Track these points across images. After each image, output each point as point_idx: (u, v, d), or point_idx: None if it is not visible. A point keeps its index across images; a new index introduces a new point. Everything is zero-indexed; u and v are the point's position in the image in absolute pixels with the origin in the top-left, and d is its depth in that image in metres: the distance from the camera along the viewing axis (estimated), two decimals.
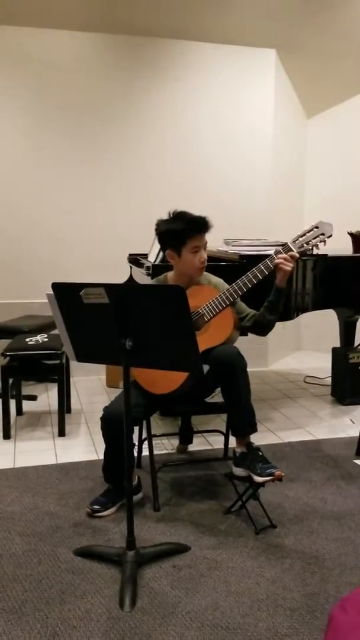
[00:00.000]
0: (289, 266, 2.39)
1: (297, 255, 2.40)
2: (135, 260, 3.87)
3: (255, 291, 2.46)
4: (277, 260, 2.39)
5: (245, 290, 2.43)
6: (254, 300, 2.58)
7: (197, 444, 3.19)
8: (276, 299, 2.49)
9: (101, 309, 1.91)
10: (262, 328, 2.56)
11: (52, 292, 2.00)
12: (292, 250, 2.41)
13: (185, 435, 3.11)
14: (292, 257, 2.39)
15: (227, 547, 2.21)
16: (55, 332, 3.35)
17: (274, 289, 2.49)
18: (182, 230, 2.46)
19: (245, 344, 2.62)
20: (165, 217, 2.53)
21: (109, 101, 4.55)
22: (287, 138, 5.15)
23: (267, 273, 2.40)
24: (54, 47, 4.39)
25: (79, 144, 4.55)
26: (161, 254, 3.08)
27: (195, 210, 2.55)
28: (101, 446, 2.54)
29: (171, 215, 2.51)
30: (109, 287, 1.88)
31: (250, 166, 4.87)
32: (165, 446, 3.20)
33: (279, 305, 2.51)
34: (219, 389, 2.50)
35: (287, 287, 2.53)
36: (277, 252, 2.41)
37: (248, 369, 2.41)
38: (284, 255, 2.39)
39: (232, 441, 2.58)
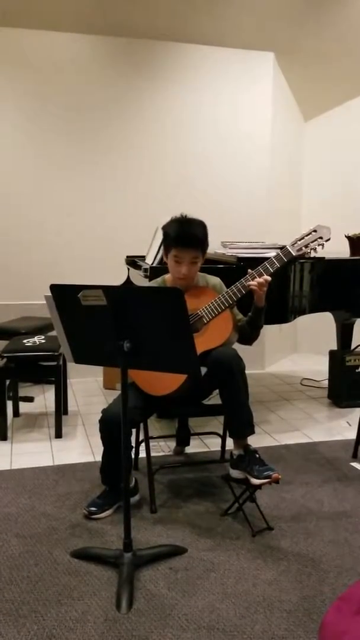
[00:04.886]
0: (261, 290, 2.43)
1: (269, 278, 2.43)
2: (133, 262, 3.87)
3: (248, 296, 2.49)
4: (250, 283, 2.42)
5: (244, 292, 2.44)
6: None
7: (194, 446, 3.19)
8: (255, 316, 2.55)
9: (99, 311, 1.91)
10: (246, 339, 2.62)
11: (50, 294, 2.00)
12: (291, 253, 2.44)
13: (183, 437, 3.11)
14: (265, 280, 2.42)
15: (224, 549, 2.21)
16: (53, 333, 3.34)
17: (252, 306, 2.53)
18: (169, 236, 2.50)
19: (242, 346, 2.63)
20: (173, 217, 2.56)
21: (106, 103, 4.56)
22: (285, 141, 5.16)
23: (244, 292, 2.44)
24: (52, 49, 4.39)
25: (77, 146, 4.56)
26: (159, 256, 3.08)
27: (193, 212, 2.56)
28: (98, 448, 2.54)
29: (177, 217, 2.54)
30: (107, 289, 1.88)
31: (247, 168, 4.88)
32: (162, 448, 3.20)
33: (259, 321, 2.56)
34: (216, 391, 2.51)
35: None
36: (251, 275, 2.44)
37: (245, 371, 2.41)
38: (259, 280, 2.42)
39: (229, 443, 2.58)
